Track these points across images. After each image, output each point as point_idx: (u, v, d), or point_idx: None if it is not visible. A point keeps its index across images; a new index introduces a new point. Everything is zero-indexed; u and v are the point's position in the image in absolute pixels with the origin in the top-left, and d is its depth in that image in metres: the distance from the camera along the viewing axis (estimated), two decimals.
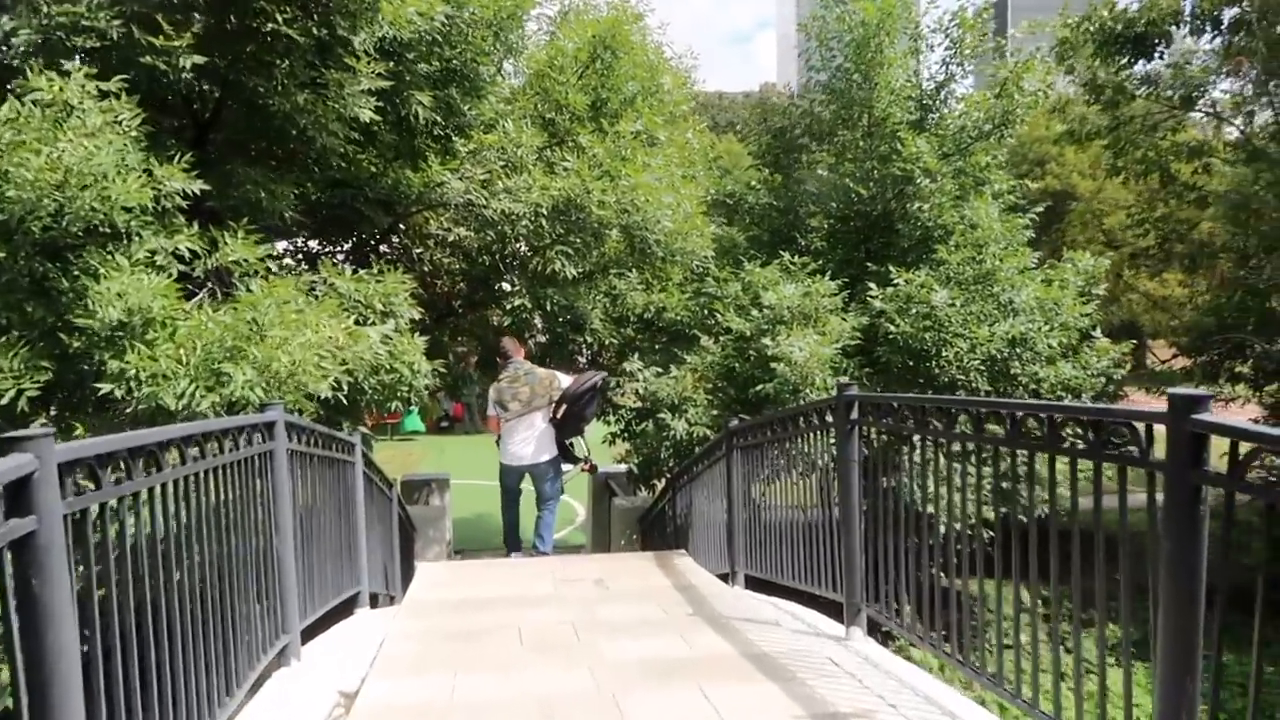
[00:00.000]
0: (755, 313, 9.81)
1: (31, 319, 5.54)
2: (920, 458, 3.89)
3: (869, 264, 11.04)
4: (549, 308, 10.18)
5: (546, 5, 11.37)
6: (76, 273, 5.50)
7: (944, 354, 9.60)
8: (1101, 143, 17.47)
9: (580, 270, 9.83)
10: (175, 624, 2.74)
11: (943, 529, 3.76)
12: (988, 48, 12.00)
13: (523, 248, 9.99)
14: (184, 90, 6.82)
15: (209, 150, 7.63)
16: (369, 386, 6.56)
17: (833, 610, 4.81)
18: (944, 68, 11.86)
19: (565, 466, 8.40)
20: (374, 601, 6.26)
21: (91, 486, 2.25)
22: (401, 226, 10.74)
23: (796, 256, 10.47)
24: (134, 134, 5.67)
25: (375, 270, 7.28)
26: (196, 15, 6.38)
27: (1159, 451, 2.45)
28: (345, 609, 5.49)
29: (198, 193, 6.09)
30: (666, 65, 11.91)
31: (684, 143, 11.80)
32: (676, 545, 8.15)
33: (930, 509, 3.82)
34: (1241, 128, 16.59)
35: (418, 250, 11.09)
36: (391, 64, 7.42)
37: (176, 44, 6.05)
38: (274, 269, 6.63)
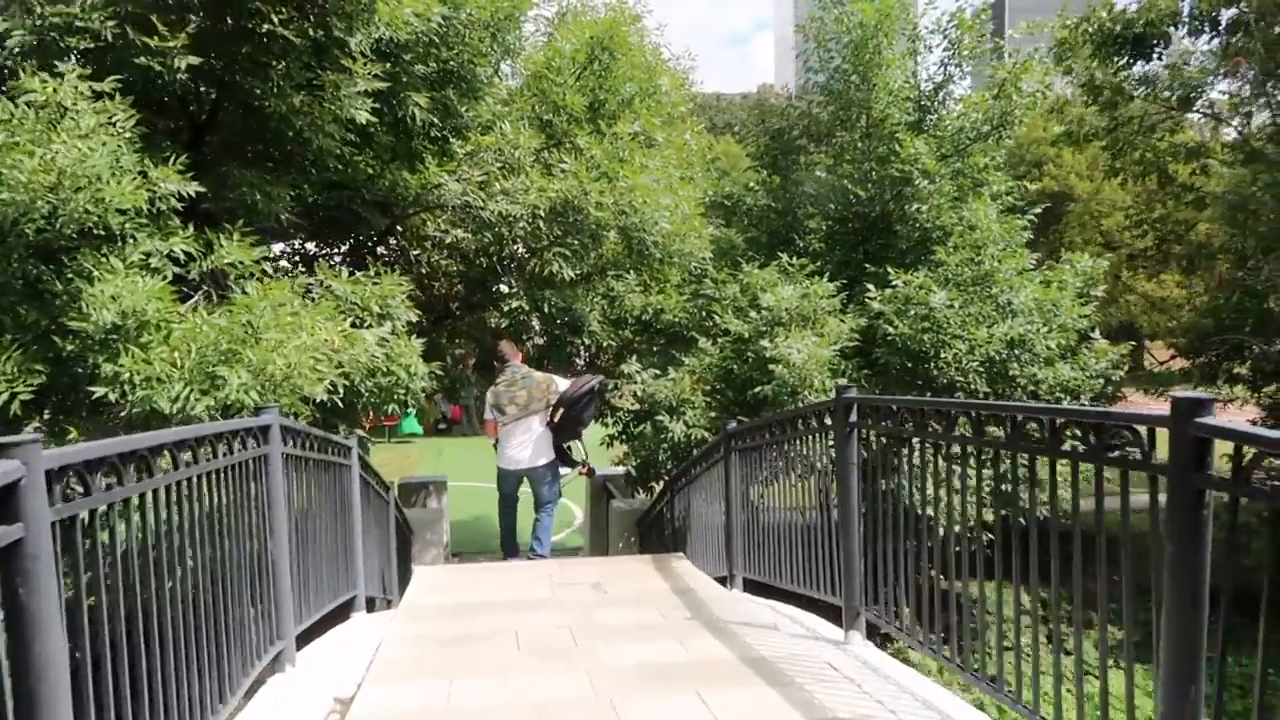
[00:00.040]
0: (753, 314, 9.78)
1: (25, 322, 5.50)
2: (920, 460, 3.86)
3: (867, 265, 11.02)
4: (547, 309, 10.15)
5: (544, 6, 11.38)
6: (70, 275, 5.46)
7: (942, 355, 9.57)
8: (1099, 144, 17.48)
9: (578, 272, 9.80)
10: (167, 631, 2.71)
11: (942, 532, 3.74)
12: (986, 49, 11.98)
13: (520, 249, 9.96)
14: (179, 92, 6.79)
15: (205, 152, 7.59)
16: (365, 389, 6.53)
17: (831, 614, 4.79)
18: (942, 69, 11.85)
19: (563, 470, 8.37)
20: (371, 605, 6.22)
21: (81, 492, 2.22)
22: (399, 228, 10.71)
23: (795, 258, 10.45)
24: (128, 135, 5.63)
25: (372, 272, 7.25)
26: (191, 16, 6.34)
27: (1160, 452, 2.44)
28: (341, 613, 5.46)
29: (193, 195, 6.06)
30: (664, 66, 11.90)
31: (682, 144, 11.78)
32: (674, 548, 8.12)
33: (930, 511, 3.80)
34: (1239, 129, 16.58)
35: (415, 252, 11.06)
36: (388, 65, 7.39)
37: (171, 45, 6.01)
38: (269, 271, 6.59)
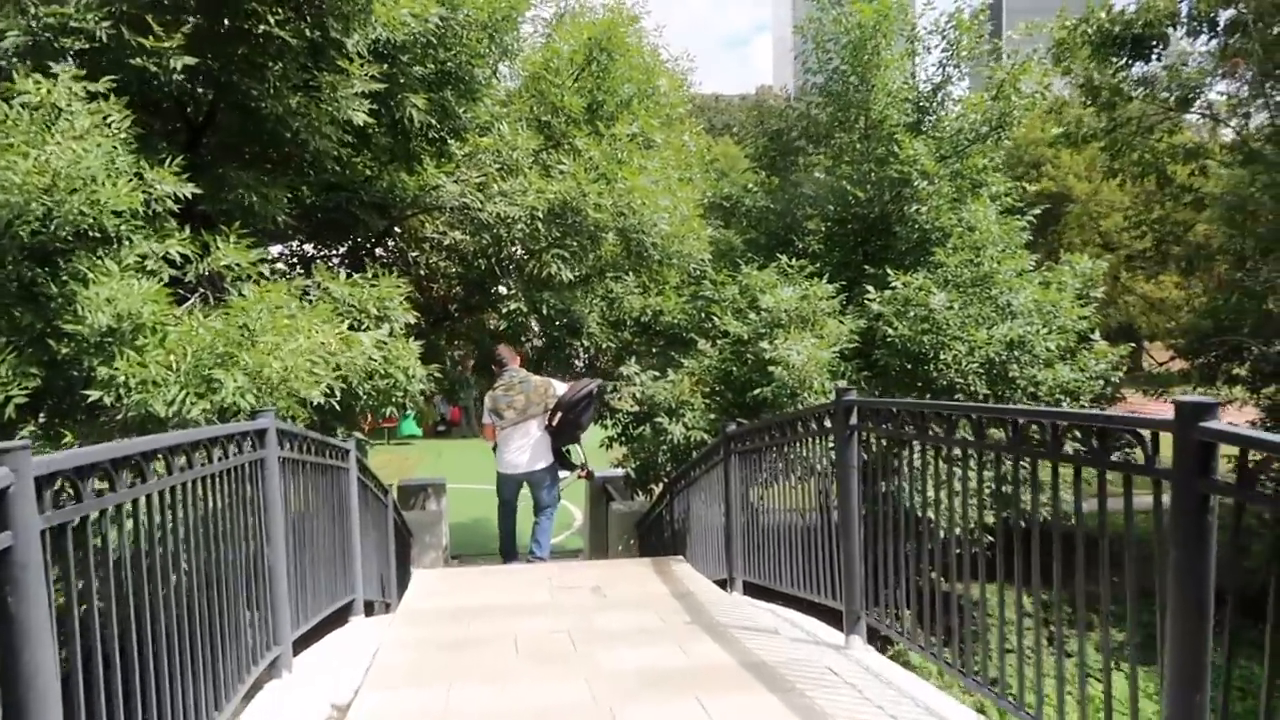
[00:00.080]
0: (752, 316, 9.76)
1: (20, 324, 5.47)
2: (920, 463, 3.84)
3: (866, 267, 11.01)
4: (545, 311, 10.12)
5: (542, 7, 11.37)
6: (65, 278, 5.43)
7: (942, 357, 9.56)
8: (1098, 145, 17.45)
9: (576, 274, 9.77)
10: (161, 637, 2.68)
11: (943, 535, 3.72)
12: (984, 50, 11.97)
13: (519, 251, 9.93)
14: (176, 93, 6.76)
15: (202, 153, 7.56)
16: (363, 392, 6.49)
17: (832, 617, 4.76)
18: (940, 70, 11.85)
19: (562, 473, 8.35)
20: (369, 609, 6.20)
21: (73, 499, 2.19)
22: (397, 230, 10.68)
23: (794, 259, 10.43)
24: (123, 136, 5.60)
25: (370, 274, 7.22)
26: (187, 16, 6.31)
27: (1164, 452, 2.41)
28: (340, 617, 5.43)
29: (189, 196, 6.03)
30: (663, 68, 11.88)
31: (680, 145, 11.76)
32: (674, 550, 8.09)
33: (930, 514, 3.77)
34: (1237, 129, 16.57)
35: (413, 254, 11.03)
36: (385, 66, 7.36)
37: (167, 45, 5.98)
38: (266, 273, 6.56)
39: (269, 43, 6.56)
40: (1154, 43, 15.10)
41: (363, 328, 6.70)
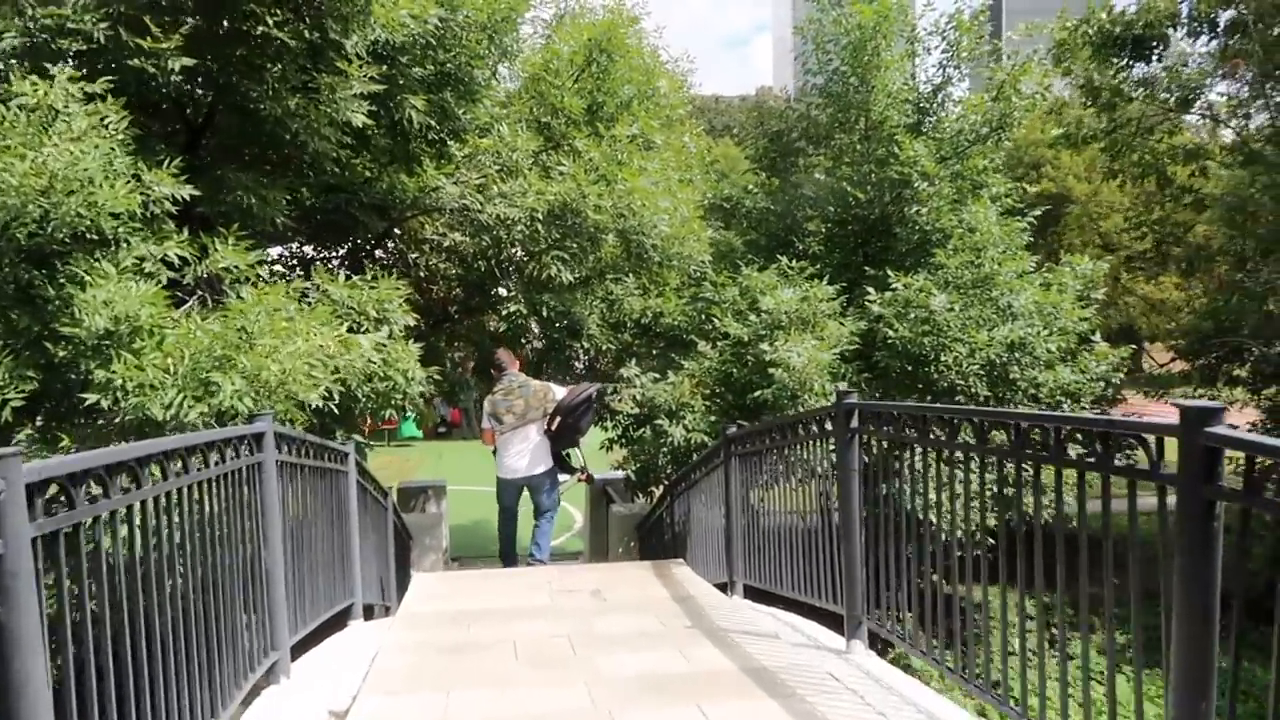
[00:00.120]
0: (753, 318, 9.74)
1: (17, 327, 5.44)
2: (921, 467, 3.81)
3: (867, 268, 10.98)
4: (545, 313, 10.10)
5: (542, 9, 11.35)
6: (63, 280, 5.40)
7: (943, 359, 9.53)
8: (1098, 146, 17.43)
9: (576, 275, 9.75)
10: (157, 644, 2.65)
11: (944, 539, 3.69)
12: (984, 51, 11.95)
13: (519, 253, 9.91)
14: (175, 94, 6.75)
15: (202, 155, 7.54)
16: (362, 395, 6.46)
17: (833, 621, 4.74)
18: (941, 71, 11.83)
19: (562, 477, 8.33)
20: (369, 613, 6.17)
21: (65, 506, 2.17)
22: (397, 231, 10.67)
23: (794, 261, 10.41)
24: (121, 138, 5.58)
25: (369, 276, 7.19)
26: (185, 18, 6.28)
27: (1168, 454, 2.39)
28: (339, 621, 5.41)
29: (187, 198, 6.01)
30: (663, 69, 11.86)
31: (680, 146, 11.74)
32: (674, 553, 8.06)
33: (932, 517, 3.75)
34: (1238, 130, 16.54)
35: (413, 255, 11.01)
36: (384, 67, 7.34)
37: (165, 46, 5.96)
38: (265, 275, 6.53)
39: (268, 44, 6.54)
40: (1154, 43, 15.07)
41: (362, 330, 6.68)
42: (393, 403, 6.91)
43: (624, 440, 11.13)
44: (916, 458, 3.93)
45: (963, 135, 11.32)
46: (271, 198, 7.13)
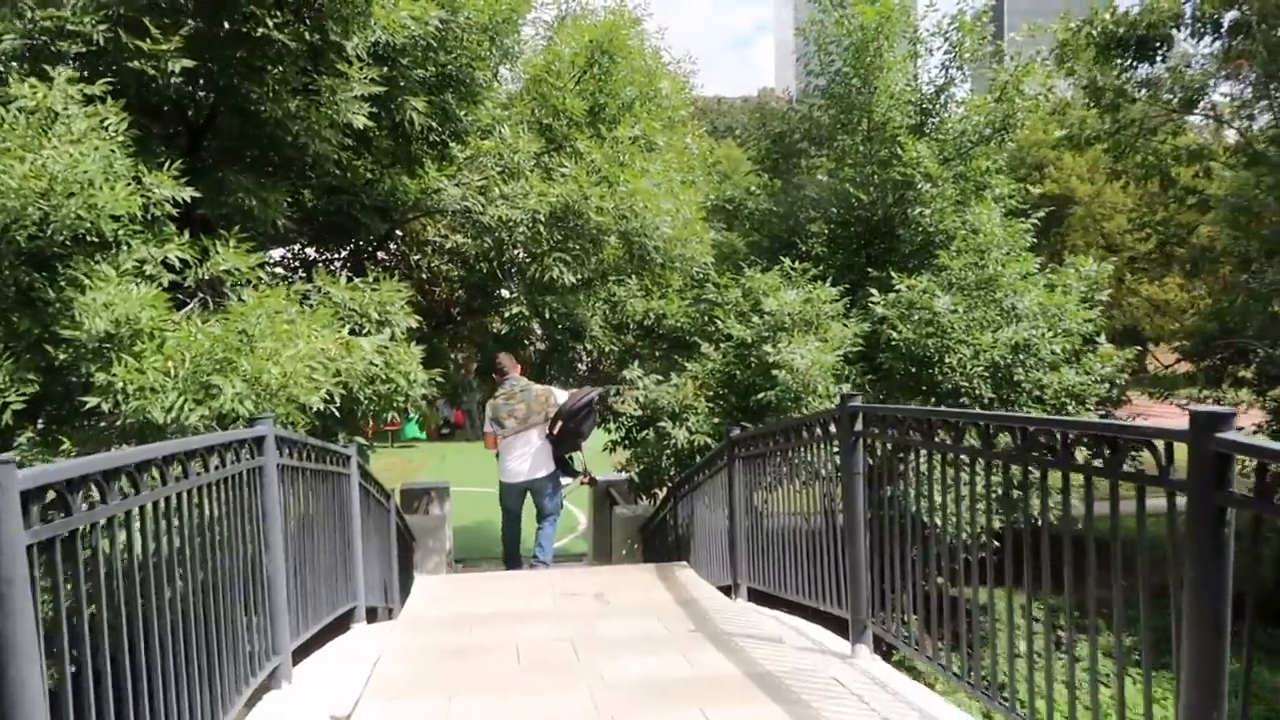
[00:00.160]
0: (756, 319, 9.71)
1: (17, 330, 5.42)
2: (927, 471, 3.78)
3: (870, 270, 10.94)
4: (548, 315, 10.08)
5: (543, 10, 11.32)
6: (63, 283, 5.38)
7: (947, 360, 9.50)
8: (1101, 147, 17.40)
9: (579, 277, 9.72)
10: (156, 649, 2.63)
11: (950, 542, 3.66)
12: (986, 51, 11.91)
13: (521, 254, 9.89)
14: (175, 96, 6.72)
15: (203, 157, 7.53)
16: (364, 397, 6.44)
17: (837, 625, 4.71)
18: (943, 72, 11.78)
19: (564, 480, 8.32)
20: (372, 615, 6.15)
21: (61, 512, 2.14)
22: (399, 233, 10.65)
23: (797, 262, 10.38)
24: (121, 139, 5.55)
25: (371, 278, 7.17)
26: (185, 19, 6.26)
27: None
28: (341, 624, 5.38)
29: (188, 200, 5.99)
30: (665, 70, 11.83)
31: (683, 148, 11.71)
32: (678, 556, 8.04)
33: (937, 520, 3.72)
34: (1241, 131, 16.51)
35: (415, 257, 11.00)
36: (385, 69, 7.32)
37: (164, 48, 5.94)
38: (266, 278, 6.51)
39: (268, 46, 6.52)
40: (1158, 44, 15.05)
41: (364, 332, 6.66)
42: (395, 405, 6.89)
43: (627, 442, 11.10)
44: (921, 461, 3.90)
45: (966, 136, 11.28)
46: (273, 200, 7.11)
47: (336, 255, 10.62)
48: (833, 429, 4.63)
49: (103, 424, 5.64)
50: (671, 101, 11.54)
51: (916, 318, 9.69)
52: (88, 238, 5.40)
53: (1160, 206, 19.77)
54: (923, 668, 7.24)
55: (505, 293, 10.46)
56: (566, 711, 3.72)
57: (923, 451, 3.82)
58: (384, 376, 6.51)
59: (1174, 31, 14.94)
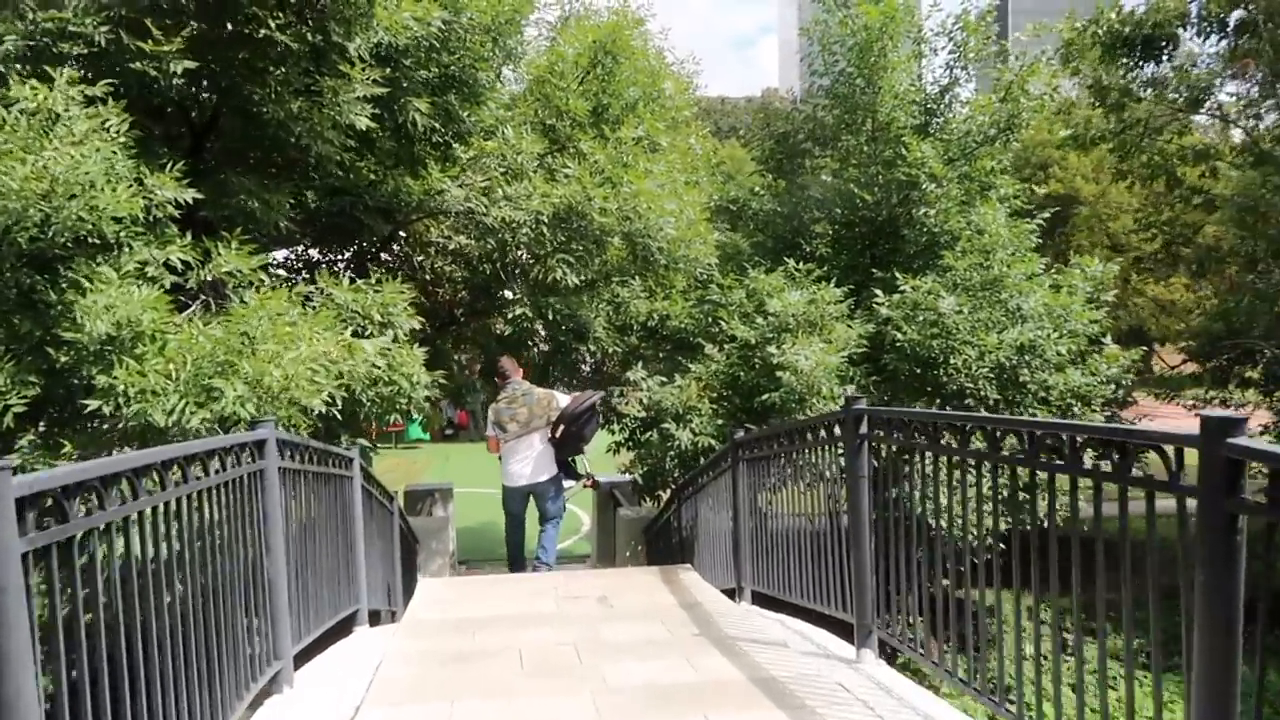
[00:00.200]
0: (760, 320, 9.68)
1: (19, 332, 5.40)
2: (932, 473, 3.75)
3: (874, 270, 10.91)
4: (551, 316, 10.06)
5: (546, 11, 11.29)
6: (65, 285, 5.37)
7: (952, 362, 9.45)
8: (1106, 147, 17.34)
9: (582, 278, 9.70)
10: (154, 656, 2.60)
11: (956, 544, 3.63)
12: (991, 51, 11.87)
13: (524, 256, 9.88)
14: (178, 97, 6.71)
15: (206, 158, 7.52)
16: (367, 399, 6.42)
17: (842, 629, 4.67)
18: (948, 71, 11.75)
19: (567, 483, 8.31)
20: (375, 618, 6.12)
21: (58, 519, 2.12)
22: (402, 234, 10.63)
23: (801, 263, 10.35)
24: (123, 141, 5.52)
25: (374, 280, 7.15)
26: (187, 20, 6.24)
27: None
28: (344, 627, 5.36)
29: (190, 202, 5.97)
30: (668, 70, 11.80)
31: (686, 148, 11.69)
32: (682, 558, 8.02)
33: (943, 523, 3.69)
34: (1248, 130, 16.45)
35: (419, 258, 10.98)
36: (388, 70, 7.30)
37: (166, 49, 5.92)
38: (266, 280, 6.49)
39: (270, 47, 6.50)
40: (1164, 43, 14.99)
41: (366, 334, 6.64)
42: (397, 407, 6.88)
43: (631, 443, 11.08)
44: (927, 464, 3.86)
45: (970, 136, 11.24)
46: (275, 201, 7.10)
47: (340, 257, 10.61)
48: (837, 431, 4.60)
49: (104, 427, 5.62)
50: (675, 102, 11.52)
51: (921, 319, 9.65)
52: (89, 240, 5.38)
53: (1166, 206, 19.70)
54: (928, 671, 7.21)
55: (509, 294, 10.45)
56: (569, 716, 3.70)
57: (928, 455, 3.79)
58: (386, 378, 6.49)
59: (1180, 31, 14.88)
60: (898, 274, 10.05)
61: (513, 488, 8.07)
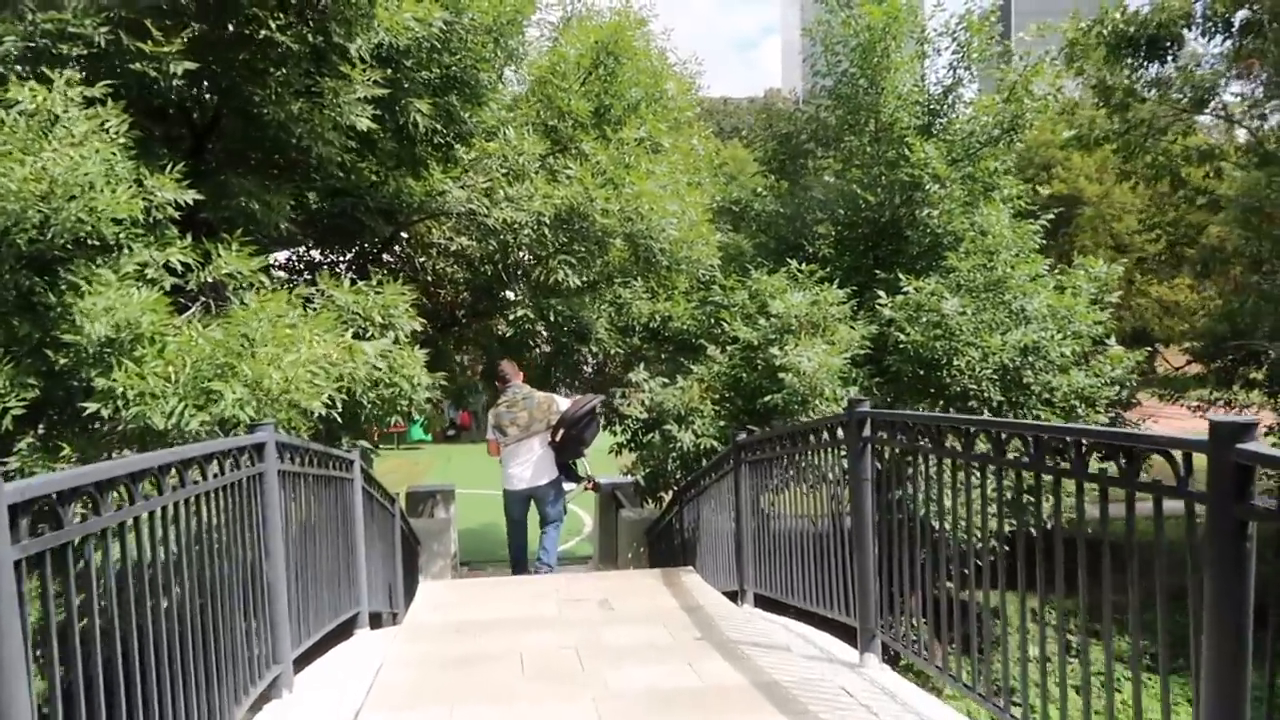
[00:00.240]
0: (762, 322, 9.64)
1: (18, 334, 5.38)
2: (936, 477, 3.71)
3: (877, 271, 10.88)
4: (553, 317, 10.03)
5: (548, 11, 11.27)
6: (64, 287, 5.35)
7: (955, 363, 9.42)
8: (1110, 147, 17.28)
9: (584, 279, 9.68)
10: (151, 661, 2.58)
11: (961, 548, 3.60)
12: (994, 51, 11.83)
13: (526, 257, 9.86)
14: (178, 98, 6.69)
15: (207, 159, 7.50)
16: (368, 401, 6.40)
17: (845, 632, 4.64)
18: (951, 72, 11.72)
19: (568, 486, 8.30)
20: (376, 621, 6.10)
21: (51, 526, 2.09)
22: (404, 235, 10.62)
23: (804, 264, 10.31)
24: (123, 142, 5.51)
25: (375, 281, 7.13)
26: (188, 22, 6.22)
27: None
28: (345, 630, 5.34)
29: (190, 203, 5.95)
30: (670, 71, 11.78)
31: (689, 149, 11.65)
32: (684, 560, 7.99)
33: (946, 526, 3.66)
34: (1252, 131, 16.39)
35: (420, 259, 10.97)
36: (389, 71, 7.28)
37: (166, 50, 5.90)
38: (267, 282, 6.47)
39: (271, 48, 6.48)
40: (1168, 43, 14.93)
41: (367, 336, 6.61)
42: (398, 408, 6.86)
43: (633, 445, 11.04)
44: (931, 467, 3.83)
45: (974, 137, 11.20)
46: (276, 203, 7.08)
47: (341, 258, 10.60)
48: (840, 434, 4.57)
49: (103, 429, 5.60)
50: (677, 103, 11.49)
51: (924, 320, 9.62)
52: (89, 241, 5.36)
53: (1170, 207, 19.64)
54: (932, 675, 7.17)
55: (510, 295, 10.43)
56: None
57: (932, 458, 3.76)
58: (387, 380, 6.47)
59: (1184, 31, 14.82)
60: (901, 275, 10.01)
61: (513, 491, 8.06)
